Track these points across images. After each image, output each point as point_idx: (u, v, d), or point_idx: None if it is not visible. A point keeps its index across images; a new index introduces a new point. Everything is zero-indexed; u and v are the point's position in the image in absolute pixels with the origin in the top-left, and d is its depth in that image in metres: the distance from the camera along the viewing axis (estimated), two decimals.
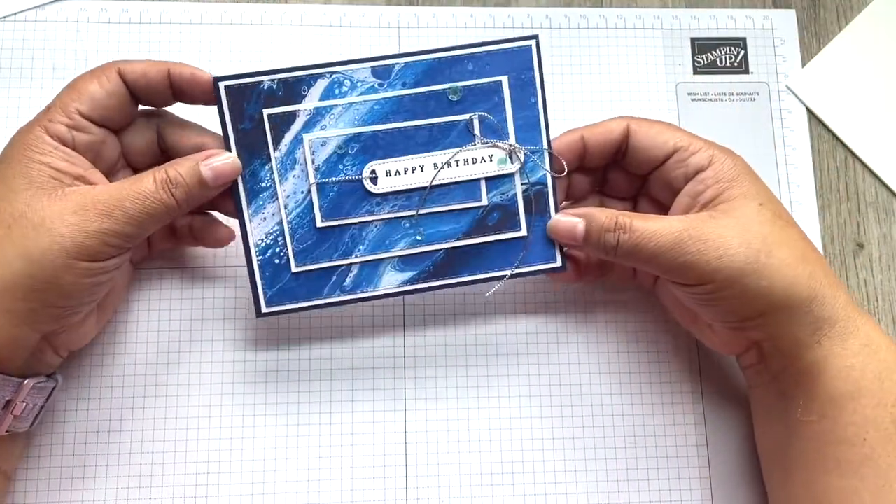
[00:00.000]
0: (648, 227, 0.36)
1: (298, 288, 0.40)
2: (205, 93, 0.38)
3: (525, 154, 0.39)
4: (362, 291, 0.40)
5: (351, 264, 0.40)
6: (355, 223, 0.39)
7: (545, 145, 0.40)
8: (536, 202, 0.40)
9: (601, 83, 0.48)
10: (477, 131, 0.39)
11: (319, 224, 0.39)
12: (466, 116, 0.39)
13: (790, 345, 0.36)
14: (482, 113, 0.39)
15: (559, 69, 0.48)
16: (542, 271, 0.41)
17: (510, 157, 0.40)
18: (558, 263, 0.41)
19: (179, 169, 0.36)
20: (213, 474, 0.41)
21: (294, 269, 0.39)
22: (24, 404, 0.37)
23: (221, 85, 0.38)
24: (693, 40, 0.49)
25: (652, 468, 0.43)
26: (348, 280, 0.40)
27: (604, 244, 0.37)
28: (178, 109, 0.40)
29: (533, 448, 0.43)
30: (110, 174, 0.38)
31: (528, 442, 0.43)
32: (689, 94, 0.48)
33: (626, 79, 0.48)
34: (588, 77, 0.48)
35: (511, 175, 0.40)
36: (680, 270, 0.36)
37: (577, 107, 0.48)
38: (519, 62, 0.39)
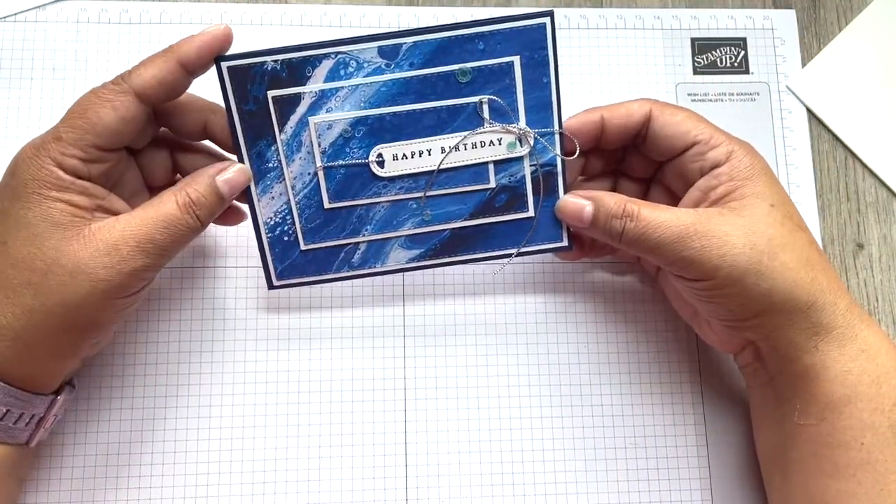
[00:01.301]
0: (656, 217, 0.36)
1: (307, 264, 0.40)
2: (223, 52, 0.36)
3: (535, 137, 0.39)
4: (370, 267, 0.40)
5: (358, 242, 0.40)
6: (362, 204, 0.39)
7: (556, 127, 0.39)
8: (545, 183, 0.40)
9: (601, 83, 0.48)
10: (486, 115, 0.38)
11: (327, 205, 0.39)
12: (476, 99, 0.38)
13: (787, 347, 0.36)
14: (491, 96, 0.38)
15: (559, 68, 0.48)
16: (548, 250, 0.41)
17: (519, 141, 0.39)
18: (565, 243, 0.41)
19: (198, 188, 0.36)
20: (213, 474, 0.41)
21: (303, 247, 0.40)
22: (55, 417, 0.37)
23: (224, 65, 0.37)
24: (693, 40, 0.49)
25: (652, 468, 0.43)
26: (356, 257, 0.40)
27: (610, 230, 0.37)
28: None
29: (533, 448, 0.43)
30: (132, 197, 0.38)
31: (529, 442, 0.43)
32: (690, 94, 0.48)
33: (626, 79, 0.48)
34: (588, 77, 0.48)
35: (520, 158, 0.39)
36: (682, 264, 0.36)
37: (578, 107, 0.47)
38: (532, 41, 0.38)
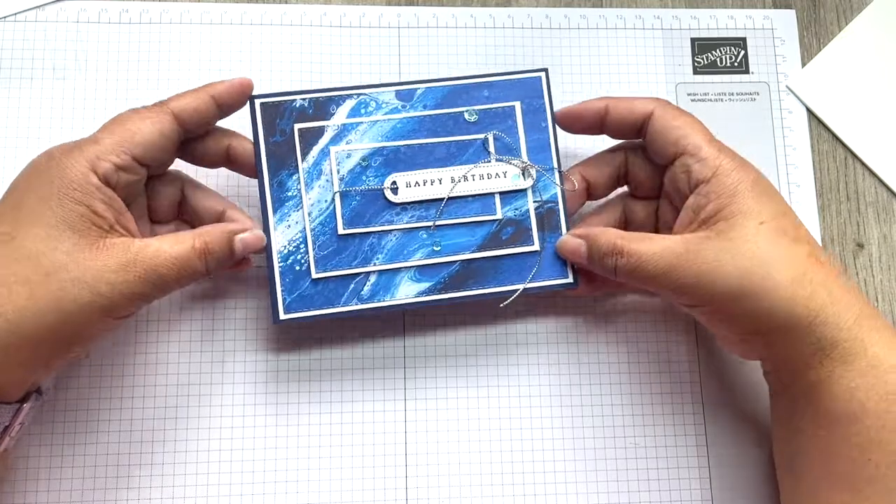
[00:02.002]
0: (646, 250, 0.36)
1: (317, 295, 0.40)
2: (244, 96, 0.40)
3: (537, 171, 0.41)
4: (379, 301, 0.40)
5: (369, 272, 0.40)
6: (375, 231, 0.41)
7: (556, 165, 0.42)
8: (548, 219, 0.42)
9: (601, 83, 0.48)
10: (492, 149, 0.41)
11: (341, 231, 0.40)
12: (483, 135, 0.42)
13: (794, 362, 0.36)
14: (497, 132, 0.42)
15: (558, 69, 0.48)
16: (554, 287, 0.42)
17: (523, 174, 0.41)
18: (570, 279, 0.42)
19: (215, 238, 0.37)
20: (213, 474, 0.41)
21: (314, 276, 0.40)
22: (21, 426, 0.37)
23: (257, 102, 0.41)
24: (693, 40, 0.49)
25: (652, 468, 0.43)
26: (366, 289, 0.40)
27: (604, 266, 0.38)
28: None
29: (533, 449, 0.43)
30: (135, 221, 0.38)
31: (528, 443, 0.43)
32: (689, 94, 0.48)
33: (625, 79, 0.48)
34: (588, 77, 0.48)
35: (524, 191, 0.42)
36: (678, 292, 0.36)
37: None
38: (530, 90, 0.42)
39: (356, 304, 0.40)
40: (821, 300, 0.35)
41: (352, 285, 0.40)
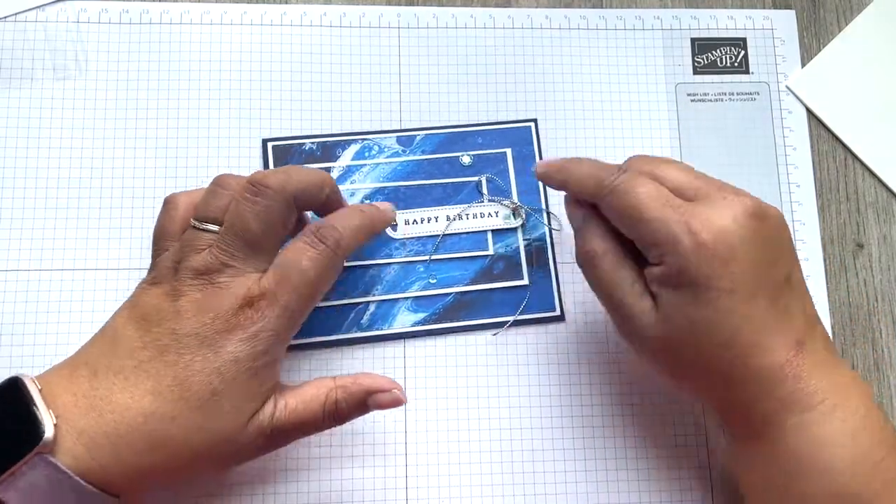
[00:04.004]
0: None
1: (319, 324, 0.42)
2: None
3: (526, 211, 0.45)
4: (378, 329, 0.43)
5: (369, 302, 0.43)
6: (375, 264, 0.44)
7: (544, 206, 0.45)
8: (537, 256, 0.45)
9: (600, 84, 0.48)
10: (485, 190, 0.45)
11: (344, 263, 0.41)
12: (476, 178, 0.45)
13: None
14: (490, 175, 0.45)
15: (558, 69, 0.48)
16: (542, 320, 0.44)
17: (513, 214, 0.45)
18: (557, 312, 0.44)
19: (350, 400, 0.37)
20: None
21: (318, 304, 0.41)
22: None
23: (269, 144, 0.44)
24: (693, 40, 0.49)
25: (652, 468, 0.43)
26: (365, 318, 0.43)
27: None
28: None
29: (533, 448, 0.43)
30: None
31: (528, 442, 0.43)
32: (689, 94, 0.48)
33: (625, 80, 0.48)
34: (587, 77, 0.48)
35: (515, 229, 0.45)
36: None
37: (577, 106, 0.48)
38: (521, 138, 0.46)
39: (356, 332, 0.43)
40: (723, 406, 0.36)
41: (352, 314, 0.43)
